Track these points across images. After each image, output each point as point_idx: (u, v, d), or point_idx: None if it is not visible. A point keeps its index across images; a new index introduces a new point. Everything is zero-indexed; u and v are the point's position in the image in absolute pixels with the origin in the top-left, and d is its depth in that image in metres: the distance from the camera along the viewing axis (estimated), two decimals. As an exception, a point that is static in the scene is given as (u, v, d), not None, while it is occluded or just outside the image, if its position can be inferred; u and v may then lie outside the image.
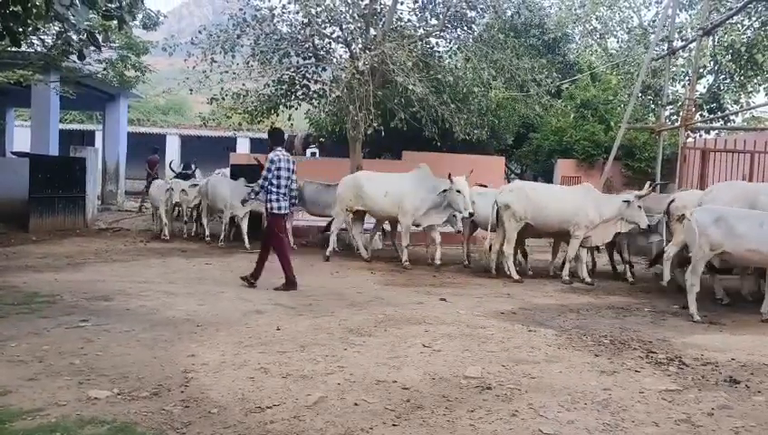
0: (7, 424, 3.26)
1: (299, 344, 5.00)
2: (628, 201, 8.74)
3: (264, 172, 7.47)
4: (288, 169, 7.54)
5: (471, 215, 9.24)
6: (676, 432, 3.52)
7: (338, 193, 10.43)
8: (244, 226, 11.45)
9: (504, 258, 9.14)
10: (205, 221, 12.33)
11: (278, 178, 7.44)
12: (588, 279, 8.91)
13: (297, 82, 12.74)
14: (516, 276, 8.90)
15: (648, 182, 9.56)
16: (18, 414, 3.40)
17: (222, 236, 11.68)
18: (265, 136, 10.22)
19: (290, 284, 7.42)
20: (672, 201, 8.40)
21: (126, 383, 3.95)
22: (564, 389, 4.16)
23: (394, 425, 3.47)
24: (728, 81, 19.06)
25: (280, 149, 7.62)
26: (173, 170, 15.87)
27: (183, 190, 12.12)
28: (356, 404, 3.75)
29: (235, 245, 11.55)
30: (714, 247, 6.38)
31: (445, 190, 9.31)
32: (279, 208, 7.49)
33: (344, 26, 12.01)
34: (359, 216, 10.51)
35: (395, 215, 9.97)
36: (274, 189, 7.45)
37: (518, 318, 6.43)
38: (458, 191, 9.09)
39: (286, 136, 10.90)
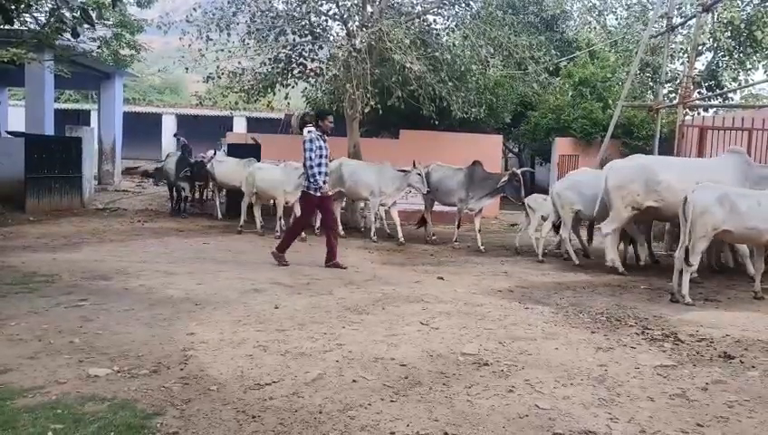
0: (8, 402, 3.28)
1: (297, 322, 5.03)
2: None
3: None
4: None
5: None
6: (671, 407, 3.56)
7: (616, 184, 7.87)
8: (395, 213, 10.45)
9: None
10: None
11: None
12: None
13: (294, 60, 12.61)
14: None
15: None
16: (19, 392, 3.43)
17: (373, 230, 10.49)
18: (261, 115, 10.11)
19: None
20: None
21: (125, 361, 3.98)
22: (560, 365, 4.20)
23: (392, 401, 3.51)
24: (727, 58, 18.91)
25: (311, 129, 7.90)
26: (179, 140, 15.77)
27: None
28: (354, 381, 3.78)
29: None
30: (716, 226, 6.40)
31: None
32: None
33: (341, 3, 11.86)
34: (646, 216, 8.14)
35: None
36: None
37: (515, 296, 6.47)
38: None
39: (283, 116, 10.72)
